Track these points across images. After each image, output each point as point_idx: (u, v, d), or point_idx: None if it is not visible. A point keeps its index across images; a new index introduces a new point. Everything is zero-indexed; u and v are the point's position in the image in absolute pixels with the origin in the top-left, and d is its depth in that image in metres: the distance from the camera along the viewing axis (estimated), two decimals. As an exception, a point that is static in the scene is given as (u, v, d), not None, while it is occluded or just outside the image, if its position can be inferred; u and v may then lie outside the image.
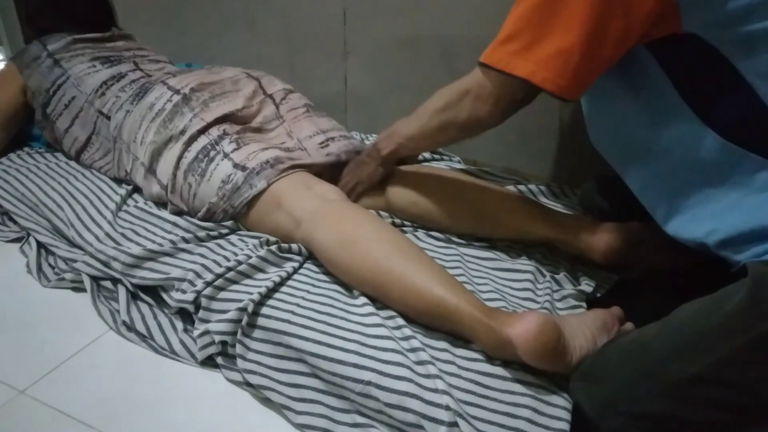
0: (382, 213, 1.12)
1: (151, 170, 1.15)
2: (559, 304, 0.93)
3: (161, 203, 1.17)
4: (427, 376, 0.76)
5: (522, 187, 1.23)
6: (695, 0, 0.68)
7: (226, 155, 1.08)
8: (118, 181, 1.26)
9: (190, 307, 0.93)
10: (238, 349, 0.86)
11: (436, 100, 0.93)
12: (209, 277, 0.93)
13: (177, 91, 1.19)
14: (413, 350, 0.80)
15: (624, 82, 0.79)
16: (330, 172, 1.15)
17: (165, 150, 1.13)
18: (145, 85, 1.25)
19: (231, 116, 1.17)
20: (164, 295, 0.98)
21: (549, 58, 0.75)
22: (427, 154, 1.31)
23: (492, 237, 1.08)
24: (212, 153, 1.08)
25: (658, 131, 0.77)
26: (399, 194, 1.11)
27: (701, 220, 0.76)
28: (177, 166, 1.10)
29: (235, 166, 1.06)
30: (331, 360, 0.80)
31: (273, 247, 0.98)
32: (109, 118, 1.25)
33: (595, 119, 0.88)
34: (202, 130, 1.12)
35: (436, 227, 1.11)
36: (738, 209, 0.73)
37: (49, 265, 1.12)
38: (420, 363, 0.78)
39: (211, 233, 1.05)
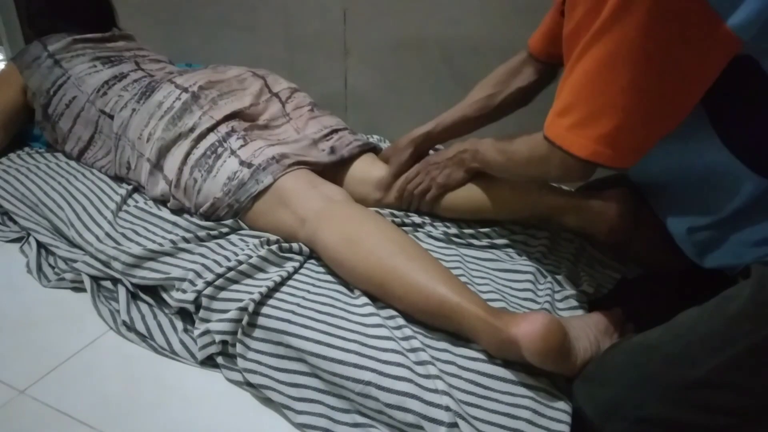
0: (383, 212, 1.12)
1: (158, 166, 1.16)
2: (560, 305, 0.93)
3: (162, 201, 1.17)
4: (427, 377, 0.76)
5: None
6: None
7: (233, 152, 1.08)
8: (118, 180, 1.26)
9: (191, 307, 0.93)
10: (239, 348, 0.86)
11: (517, 149, 0.89)
12: (210, 276, 0.93)
13: (185, 90, 1.20)
14: (413, 350, 0.80)
15: None
16: (333, 170, 1.16)
17: (174, 147, 1.14)
18: (151, 84, 1.25)
19: (239, 113, 1.18)
20: (164, 295, 0.98)
21: (608, 136, 0.69)
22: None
23: (499, 217, 1.08)
24: (220, 150, 1.09)
25: (685, 157, 0.73)
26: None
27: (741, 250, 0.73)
28: (184, 162, 1.11)
29: (242, 163, 1.07)
30: (332, 360, 0.80)
31: (274, 247, 0.98)
32: (112, 117, 1.26)
33: None
34: (212, 128, 1.13)
35: (446, 211, 1.11)
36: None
37: (49, 265, 1.12)
38: (420, 363, 0.78)
39: (212, 233, 1.05)
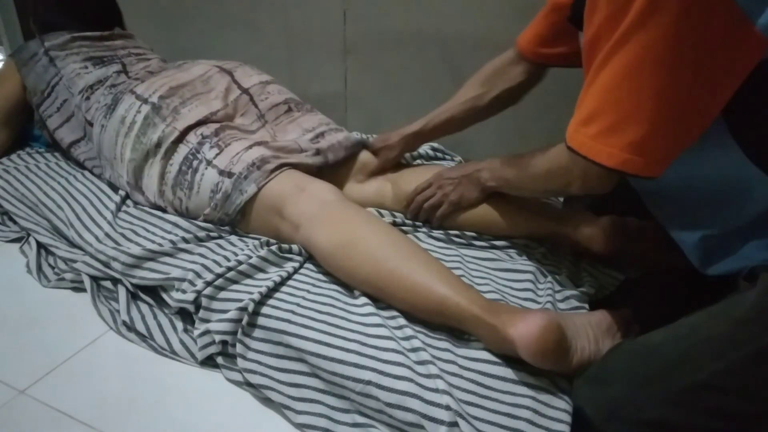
0: (382, 211, 1.12)
1: (137, 187, 1.14)
2: (561, 305, 0.92)
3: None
4: (428, 376, 0.76)
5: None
6: None
7: (209, 163, 1.04)
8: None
9: (191, 307, 0.93)
10: (239, 348, 0.86)
11: (536, 162, 0.86)
12: (209, 276, 0.93)
13: (145, 101, 1.14)
14: (414, 350, 0.80)
15: None
16: (319, 172, 1.11)
17: (146, 166, 1.11)
18: (117, 95, 1.20)
19: (206, 121, 1.12)
20: (164, 295, 0.98)
21: (637, 144, 0.66)
22: (430, 152, 1.31)
23: (497, 235, 1.08)
24: (195, 162, 1.05)
25: (702, 166, 0.71)
26: (408, 190, 1.11)
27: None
28: (162, 182, 1.08)
29: (221, 173, 1.03)
30: (332, 360, 0.80)
31: (273, 247, 0.98)
32: (92, 125, 1.24)
33: None
34: (178, 140, 1.08)
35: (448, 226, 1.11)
36: None
37: (49, 265, 1.12)
38: (421, 363, 0.78)
39: (211, 233, 1.05)
